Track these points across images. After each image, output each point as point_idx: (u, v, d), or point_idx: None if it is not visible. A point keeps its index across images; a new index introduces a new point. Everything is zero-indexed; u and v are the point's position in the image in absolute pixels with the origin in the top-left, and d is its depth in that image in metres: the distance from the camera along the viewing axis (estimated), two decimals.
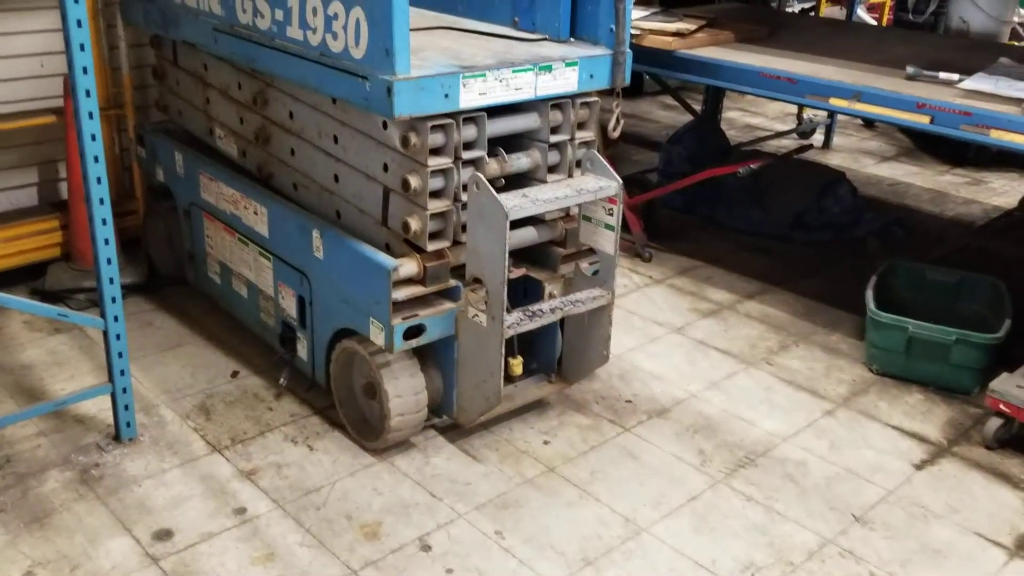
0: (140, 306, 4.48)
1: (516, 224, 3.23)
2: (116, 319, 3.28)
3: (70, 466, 3.33)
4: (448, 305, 3.21)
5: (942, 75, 4.00)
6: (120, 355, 3.33)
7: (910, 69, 4.06)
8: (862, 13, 7.96)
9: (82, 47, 2.94)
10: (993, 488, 3.46)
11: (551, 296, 3.38)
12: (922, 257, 4.96)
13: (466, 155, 3.10)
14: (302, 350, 3.68)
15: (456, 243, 3.20)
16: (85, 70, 2.97)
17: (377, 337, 3.17)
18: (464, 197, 3.09)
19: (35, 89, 4.53)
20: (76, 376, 3.89)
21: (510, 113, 3.22)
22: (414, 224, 3.10)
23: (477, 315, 3.11)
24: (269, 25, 3.31)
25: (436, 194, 3.11)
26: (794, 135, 7.29)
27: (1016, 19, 6.97)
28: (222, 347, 4.14)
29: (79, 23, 2.91)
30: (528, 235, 3.37)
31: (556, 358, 3.64)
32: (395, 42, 2.78)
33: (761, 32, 4.89)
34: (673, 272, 5.11)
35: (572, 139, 3.34)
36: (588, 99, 3.35)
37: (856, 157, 7.21)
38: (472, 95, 2.99)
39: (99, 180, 3.10)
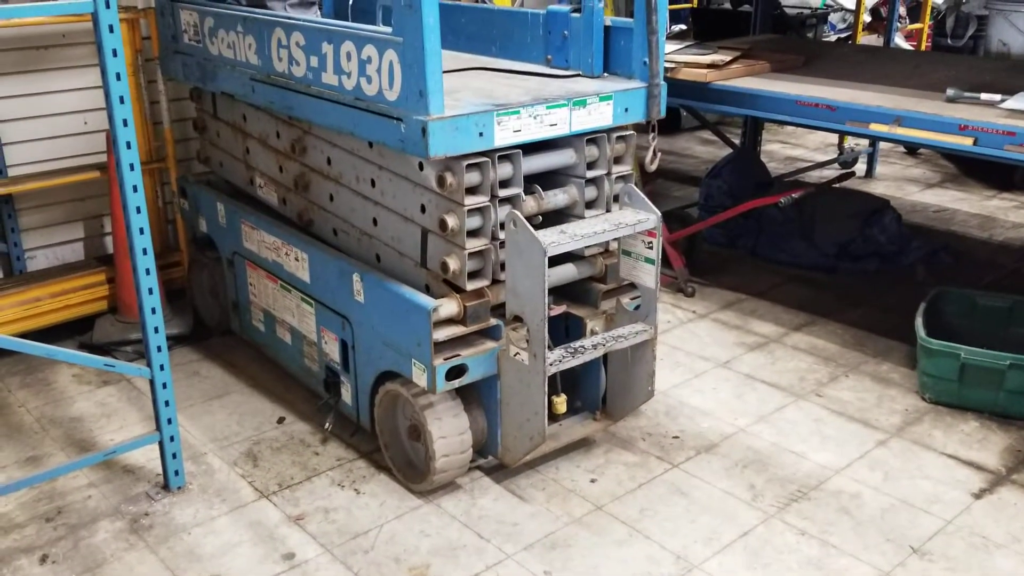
0: (186, 356, 4.55)
1: (555, 261, 3.24)
2: (162, 368, 3.33)
3: (120, 516, 3.36)
4: (489, 344, 3.22)
5: (983, 96, 3.97)
6: (167, 404, 3.37)
7: (950, 91, 4.03)
8: (899, 40, 7.93)
9: (122, 100, 3.02)
10: None
11: (593, 332, 3.37)
12: (972, 283, 4.88)
13: (502, 193, 3.12)
14: (346, 394, 3.70)
15: (495, 282, 3.21)
16: (125, 122, 3.04)
17: (419, 378, 3.18)
18: (502, 235, 3.11)
19: (79, 146, 4.67)
20: (125, 427, 3.95)
21: (545, 149, 3.25)
22: (452, 264, 3.12)
23: (519, 353, 3.11)
24: (305, 72, 3.38)
25: (474, 233, 3.13)
26: (836, 165, 7.25)
27: None
28: (267, 394, 4.18)
29: (118, 76, 2.99)
30: (567, 272, 3.38)
31: (600, 395, 3.62)
32: (428, 83, 2.83)
33: (796, 61, 4.89)
34: (717, 306, 5.07)
35: (609, 173, 3.35)
36: (624, 133, 3.36)
37: (900, 185, 7.15)
38: (507, 133, 3.01)
39: (142, 231, 3.16)
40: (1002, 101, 3.91)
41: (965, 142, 3.74)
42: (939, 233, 6.11)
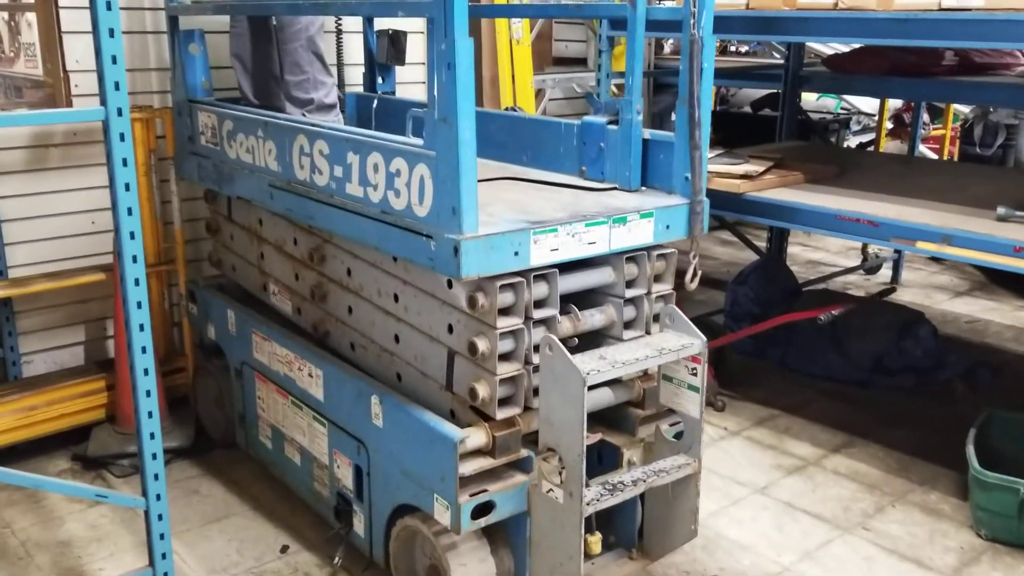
0: (186, 471, 4.24)
1: (591, 385, 2.95)
2: (159, 498, 3.02)
3: None
4: (520, 478, 2.91)
5: None
6: (162, 536, 3.06)
7: (1001, 210, 3.78)
8: (922, 147, 7.76)
9: (130, 211, 2.79)
10: None
11: (630, 463, 3.07)
12: (1015, 401, 4.58)
13: (537, 314, 2.86)
14: (359, 525, 3.37)
15: (527, 408, 2.92)
16: (132, 235, 2.81)
17: (442, 516, 2.87)
18: (535, 359, 2.83)
19: (86, 247, 4.45)
20: (116, 553, 3.61)
21: (582, 268, 3.00)
22: (482, 391, 2.84)
23: (552, 490, 2.80)
24: (327, 181, 3.17)
25: (505, 357, 2.85)
26: (860, 271, 7.01)
27: None
28: (271, 518, 3.85)
29: (127, 186, 2.76)
30: (604, 397, 3.08)
31: (636, 530, 3.27)
32: (462, 200, 2.60)
33: (830, 172, 4.67)
34: (749, 423, 4.76)
35: (649, 293, 3.09)
36: (665, 251, 3.12)
37: (928, 293, 6.88)
38: (543, 251, 2.77)
39: (144, 350, 2.90)
40: None
41: (1020, 264, 3.48)
42: (974, 346, 5.83)
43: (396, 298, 3.18)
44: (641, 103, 3.21)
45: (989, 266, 3.63)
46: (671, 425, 3.10)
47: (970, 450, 3.86)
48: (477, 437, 2.84)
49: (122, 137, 2.71)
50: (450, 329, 2.96)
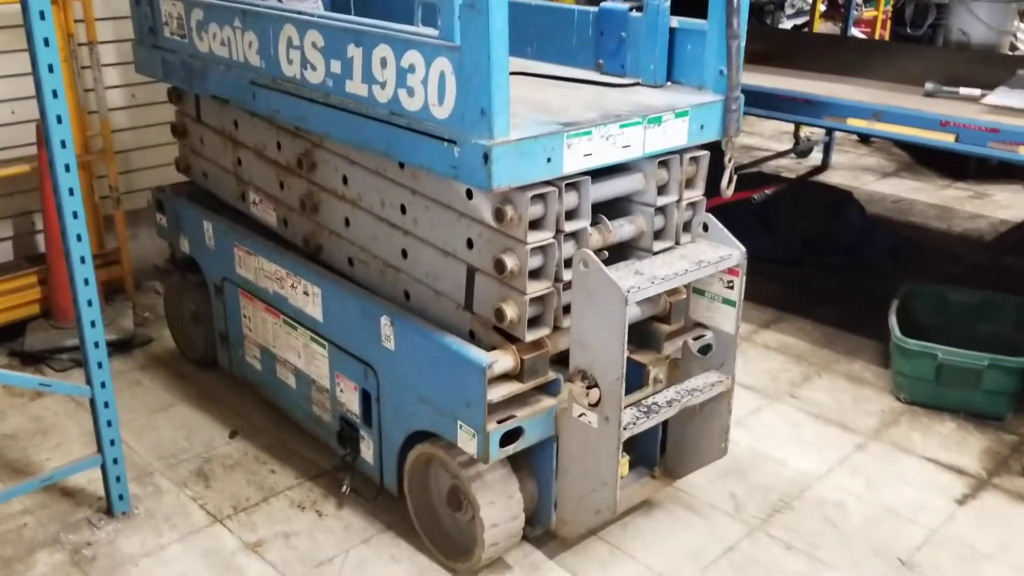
0: (127, 364, 4.01)
1: None
2: (104, 385, 2.97)
3: (60, 546, 2.92)
4: (547, 402, 2.63)
5: (963, 91, 3.74)
6: (109, 424, 2.97)
7: (929, 85, 3.83)
8: (854, 30, 7.83)
9: (55, 94, 2.60)
10: None
11: (656, 381, 2.83)
12: (937, 277, 4.77)
13: (568, 227, 2.51)
14: (367, 451, 3.05)
15: (554, 328, 2.62)
16: (59, 119, 2.62)
17: (467, 444, 2.58)
18: (565, 276, 2.53)
19: (6, 137, 4.01)
20: (62, 444, 3.46)
21: (612, 174, 2.65)
22: (510, 312, 2.50)
23: (584, 414, 2.56)
24: (323, 79, 2.69)
25: (534, 274, 2.51)
26: (792, 155, 7.13)
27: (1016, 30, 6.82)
28: (217, 406, 3.69)
29: (51, 68, 2.56)
30: (631, 312, 2.71)
31: (658, 448, 3.05)
32: (494, 99, 2.19)
33: (764, 51, 4.65)
34: None
35: (680, 200, 2.77)
36: (696, 153, 2.77)
37: (856, 174, 6.95)
38: (576, 157, 2.42)
39: (79, 237, 2.76)
40: (983, 96, 3.70)
41: (946, 139, 3.50)
42: (899, 224, 5.95)
43: (403, 209, 2.77)
44: None
45: (916, 141, 3.67)
46: (695, 339, 2.84)
47: (892, 320, 3.96)
48: (505, 361, 2.55)
49: (42, 15, 2.45)
50: (470, 244, 2.58)
